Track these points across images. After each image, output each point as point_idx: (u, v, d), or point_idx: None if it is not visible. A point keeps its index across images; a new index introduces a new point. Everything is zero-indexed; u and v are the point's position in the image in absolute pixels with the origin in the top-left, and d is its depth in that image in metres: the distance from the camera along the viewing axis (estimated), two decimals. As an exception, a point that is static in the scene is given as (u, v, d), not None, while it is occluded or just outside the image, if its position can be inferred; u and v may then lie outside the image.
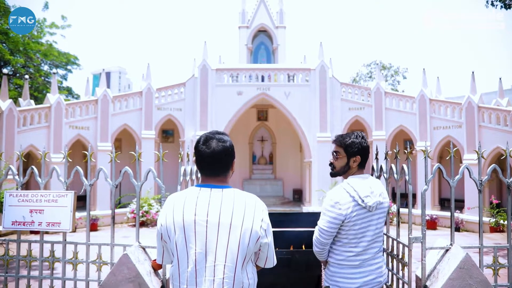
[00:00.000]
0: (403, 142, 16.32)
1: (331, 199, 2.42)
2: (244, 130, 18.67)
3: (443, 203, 14.99)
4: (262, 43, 19.10)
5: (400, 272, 3.17)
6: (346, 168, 2.55)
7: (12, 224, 3.10)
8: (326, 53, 16.57)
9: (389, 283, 3.35)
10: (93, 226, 12.77)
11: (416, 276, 3.11)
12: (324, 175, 15.30)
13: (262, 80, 15.81)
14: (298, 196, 18.53)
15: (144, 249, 3.03)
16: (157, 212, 13.64)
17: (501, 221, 11.25)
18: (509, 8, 11.89)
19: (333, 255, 2.51)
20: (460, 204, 13.01)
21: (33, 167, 3.40)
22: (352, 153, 2.54)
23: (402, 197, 15.98)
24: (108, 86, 15.54)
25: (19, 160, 3.47)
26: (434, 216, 13.28)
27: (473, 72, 14.68)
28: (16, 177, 3.34)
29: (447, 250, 3.09)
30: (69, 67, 21.92)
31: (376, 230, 2.46)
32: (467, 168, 3.25)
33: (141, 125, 15.19)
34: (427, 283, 2.99)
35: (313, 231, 4.36)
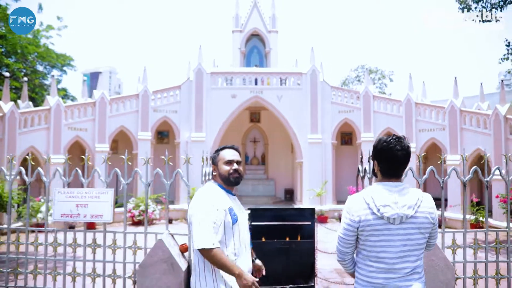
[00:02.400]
0: (390, 144, 16.95)
1: (346, 205, 2.32)
2: (237, 131, 19.21)
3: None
4: (255, 47, 19.68)
5: None
6: (375, 174, 2.38)
7: (61, 216, 3.68)
8: (317, 58, 17.22)
9: None
10: (92, 224, 13.14)
11: None
12: (315, 175, 15.96)
13: (256, 84, 16.39)
14: (290, 195, 19.15)
15: (173, 236, 3.64)
16: (153, 211, 14.11)
17: (481, 218, 11.98)
18: (488, 22, 12.70)
19: (357, 268, 2.35)
20: (437, 202, 13.75)
21: (39, 169, 4.11)
22: (373, 157, 2.37)
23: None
24: (98, 86, 15.92)
25: (28, 162, 4.19)
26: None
27: (455, 78, 15.49)
28: (62, 177, 3.97)
29: None
30: (64, 68, 22.21)
31: (405, 247, 2.17)
32: (454, 169, 3.93)
33: (137, 127, 15.64)
34: None
35: (305, 224, 5.00)
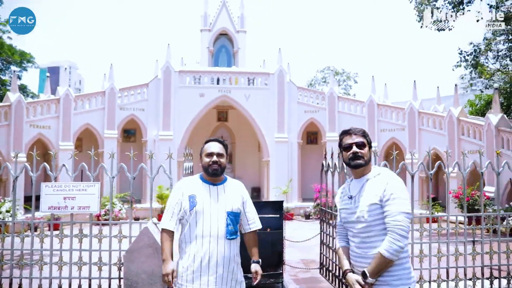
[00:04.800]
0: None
1: (402, 182, 2.38)
2: (205, 130, 19.25)
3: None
4: (223, 46, 19.79)
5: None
6: (369, 159, 2.47)
7: (49, 208, 3.88)
8: (284, 58, 17.59)
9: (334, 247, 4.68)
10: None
11: None
12: (281, 173, 16.32)
13: (224, 83, 16.56)
14: (257, 193, 19.43)
15: (156, 224, 3.96)
16: (120, 210, 13.96)
17: (435, 213, 12.72)
18: (442, 30, 13.62)
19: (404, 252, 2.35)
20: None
21: (8, 163, 4.38)
22: (370, 144, 2.51)
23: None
24: (57, 81, 15.51)
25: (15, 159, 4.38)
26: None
27: (415, 81, 16.34)
28: (31, 172, 4.07)
29: None
30: (24, 65, 21.41)
31: None
32: (422, 164, 4.38)
33: (103, 125, 15.40)
34: None
35: (272, 217, 5.31)
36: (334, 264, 5.39)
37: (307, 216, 15.22)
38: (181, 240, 2.73)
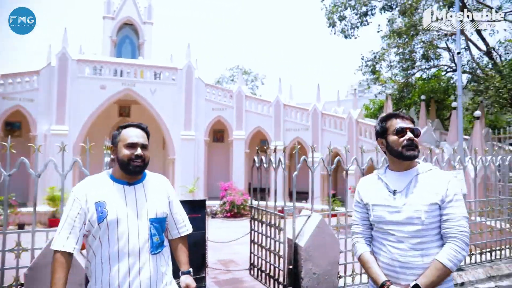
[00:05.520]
0: (259, 142, 17.98)
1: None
2: (105, 125, 17.89)
3: (291, 195, 17.04)
4: (128, 37, 18.64)
5: (277, 236, 4.48)
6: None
7: None
8: (193, 54, 17.13)
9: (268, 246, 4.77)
10: None
11: (288, 238, 4.31)
12: (187, 171, 15.86)
13: (128, 76, 15.52)
14: (161, 193, 18.64)
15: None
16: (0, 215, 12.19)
17: (336, 208, 13.46)
18: (349, 37, 14.65)
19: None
20: (305, 196, 15.05)
21: None
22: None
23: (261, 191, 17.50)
24: None
25: None
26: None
27: (318, 84, 17.20)
28: None
29: (309, 217, 4.42)
30: None
31: None
32: (322, 159, 4.34)
33: (-19, 115, 13.35)
34: (296, 241, 4.22)
35: (193, 217, 4.97)
36: (268, 264, 5.01)
37: (214, 215, 14.99)
38: (87, 265, 2.05)
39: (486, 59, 15.82)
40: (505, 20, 16.08)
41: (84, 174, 3.42)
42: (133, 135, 2.07)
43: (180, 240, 2.31)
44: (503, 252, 5.49)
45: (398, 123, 2.01)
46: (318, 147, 15.74)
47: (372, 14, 14.79)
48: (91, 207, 1.98)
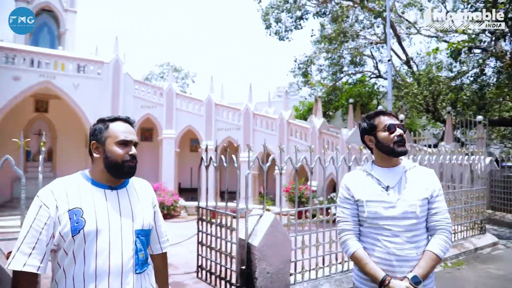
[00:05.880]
0: (190, 141, 17.63)
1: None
2: (18, 121, 16.30)
3: (222, 195, 16.91)
4: (46, 25, 17.12)
5: (229, 236, 4.38)
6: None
7: None
8: (121, 48, 16.21)
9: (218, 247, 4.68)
10: None
11: (240, 238, 4.23)
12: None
13: (47, 67, 14.23)
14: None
15: None
16: None
17: (268, 207, 13.64)
18: (283, 40, 14.96)
19: None
20: (235, 195, 15.03)
21: None
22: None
23: (189, 191, 17.20)
24: None
25: None
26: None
27: (250, 84, 17.22)
28: None
29: (261, 216, 4.39)
30: None
31: None
32: (273, 159, 4.27)
33: None
34: (249, 241, 4.15)
35: None
36: (218, 266, 4.85)
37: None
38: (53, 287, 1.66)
39: (405, 67, 17.13)
40: (420, 33, 17.58)
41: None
42: (125, 130, 1.76)
43: (161, 256, 2.01)
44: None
45: (387, 120, 2.04)
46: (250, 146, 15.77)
47: (306, 19, 15.29)
48: (63, 216, 1.60)
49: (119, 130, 1.75)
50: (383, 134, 2.03)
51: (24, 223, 1.61)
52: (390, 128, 2.02)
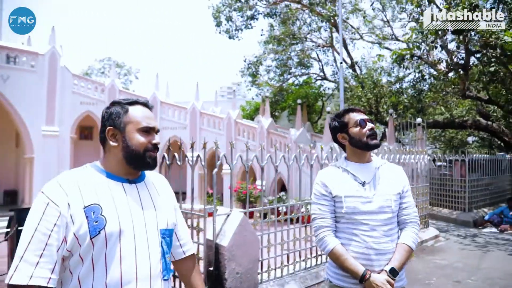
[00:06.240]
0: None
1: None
2: None
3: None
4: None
5: (195, 238, 4.10)
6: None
7: None
8: (58, 40, 15.07)
9: None
10: None
11: (207, 239, 4.04)
12: (50, 173, 13.87)
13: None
14: (12, 198, 16.00)
15: None
16: None
17: (217, 207, 13.47)
18: (233, 38, 14.87)
19: None
20: (182, 196, 14.66)
21: None
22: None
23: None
24: None
25: None
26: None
27: (197, 83, 16.92)
28: None
29: (228, 215, 4.22)
30: None
31: None
32: (221, 157, 4.13)
33: None
34: (218, 241, 3.99)
35: None
36: None
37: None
38: None
39: (350, 71, 17.84)
40: (362, 39, 18.42)
41: None
42: (147, 116, 1.50)
43: (189, 260, 1.70)
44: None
45: (357, 116, 2.10)
46: (196, 146, 15.48)
47: (256, 19, 15.35)
48: (78, 214, 1.31)
49: (141, 115, 1.48)
50: (355, 130, 2.08)
51: (27, 226, 1.29)
52: (362, 123, 2.07)
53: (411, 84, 12.93)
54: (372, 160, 2.16)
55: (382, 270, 1.94)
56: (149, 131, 1.48)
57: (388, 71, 15.75)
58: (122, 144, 1.46)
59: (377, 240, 1.97)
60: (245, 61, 17.46)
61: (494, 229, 9.35)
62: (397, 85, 14.78)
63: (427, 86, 12.47)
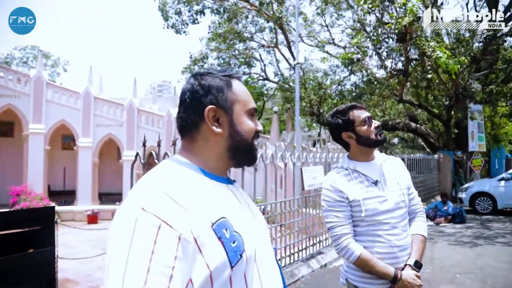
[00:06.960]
0: (62, 138, 15.71)
1: None
2: None
3: (101, 198, 15.33)
4: None
5: None
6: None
7: None
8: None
9: None
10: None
11: None
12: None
13: None
14: None
15: None
16: None
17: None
18: (180, 33, 14.41)
19: None
20: (119, 197, 13.76)
21: None
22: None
23: (62, 194, 15.24)
24: None
25: None
26: (96, 210, 13.36)
27: (135, 79, 16.06)
28: None
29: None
30: None
31: None
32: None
33: None
34: None
35: (36, 230, 3.73)
36: None
37: None
38: None
39: (293, 72, 18.12)
40: (303, 42, 18.74)
41: None
42: (249, 95, 1.08)
43: None
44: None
45: (363, 114, 2.02)
46: (133, 144, 14.67)
47: (204, 14, 14.98)
48: (207, 236, 0.86)
49: (246, 94, 1.08)
50: (363, 128, 2.00)
51: (130, 265, 0.78)
52: (368, 122, 2.01)
53: (353, 86, 13.31)
54: (375, 157, 2.10)
55: (406, 265, 1.93)
56: (253, 115, 1.09)
57: (331, 73, 16.15)
58: (229, 131, 1.03)
59: (399, 237, 1.96)
60: (190, 57, 16.95)
61: (430, 222, 9.85)
62: (339, 88, 15.17)
63: (368, 89, 12.92)
